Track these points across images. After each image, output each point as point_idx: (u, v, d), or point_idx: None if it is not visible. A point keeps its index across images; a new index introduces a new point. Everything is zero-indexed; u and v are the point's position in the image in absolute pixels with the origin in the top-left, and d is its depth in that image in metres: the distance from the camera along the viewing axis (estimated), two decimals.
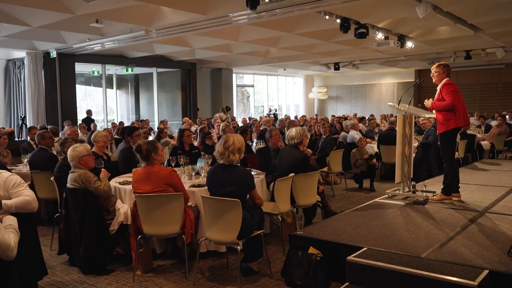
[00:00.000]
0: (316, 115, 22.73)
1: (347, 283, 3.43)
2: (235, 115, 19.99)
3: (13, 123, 14.72)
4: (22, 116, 13.29)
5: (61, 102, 14.45)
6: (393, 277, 3.22)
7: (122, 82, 19.30)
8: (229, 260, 4.48)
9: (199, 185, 4.66)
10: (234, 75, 20.96)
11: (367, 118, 14.21)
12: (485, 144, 10.91)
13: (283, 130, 10.84)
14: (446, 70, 5.34)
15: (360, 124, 11.35)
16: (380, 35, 11.12)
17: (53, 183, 5.14)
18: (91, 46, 12.77)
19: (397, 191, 5.69)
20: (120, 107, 18.74)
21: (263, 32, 11.55)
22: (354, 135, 9.58)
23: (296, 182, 4.93)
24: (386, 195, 5.66)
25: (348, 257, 3.46)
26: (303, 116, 18.21)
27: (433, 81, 5.30)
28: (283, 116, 19.01)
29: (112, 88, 18.18)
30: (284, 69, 21.29)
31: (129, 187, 4.78)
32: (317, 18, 10.23)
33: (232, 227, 3.74)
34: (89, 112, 15.41)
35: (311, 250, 3.88)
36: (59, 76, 14.29)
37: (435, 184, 6.14)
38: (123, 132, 6.68)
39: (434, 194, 5.44)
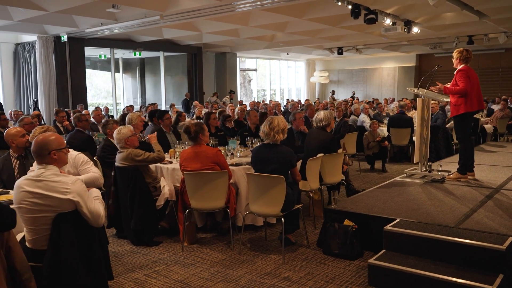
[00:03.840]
0: (318, 98, 23.06)
1: (384, 250, 3.81)
2: (238, 99, 20.24)
3: (23, 106, 14.93)
4: (35, 99, 13.50)
5: (71, 86, 14.67)
6: (427, 244, 3.61)
7: (127, 66, 19.46)
8: (263, 233, 4.86)
9: (236, 164, 5.01)
10: (238, 59, 21.17)
11: (369, 101, 14.64)
12: (488, 127, 11.31)
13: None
14: (460, 56, 5.56)
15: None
16: (388, 21, 11.41)
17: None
18: (103, 31, 12.95)
19: (414, 171, 6.08)
20: (126, 91, 18.92)
21: (273, 17, 11.77)
22: (364, 118, 9.95)
23: (324, 162, 5.29)
24: (405, 174, 6.04)
25: (385, 227, 3.85)
26: (307, 100, 18.53)
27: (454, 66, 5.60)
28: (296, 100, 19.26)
29: (118, 72, 18.35)
30: (287, 54, 21.49)
31: (170, 166, 5.14)
32: (328, 3, 10.48)
33: (277, 201, 4.11)
34: (187, 95, 16.75)
35: (346, 222, 4.27)
36: (69, 60, 14.48)
37: (448, 165, 6.52)
38: (152, 115, 6.99)
39: (450, 173, 5.83)
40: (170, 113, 8.29)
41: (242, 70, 22.90)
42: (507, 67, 19.78)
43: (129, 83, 19.52)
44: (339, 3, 9.63)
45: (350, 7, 9.95)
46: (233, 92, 19.47)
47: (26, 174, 4.12)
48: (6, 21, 11.53)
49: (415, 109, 12.33)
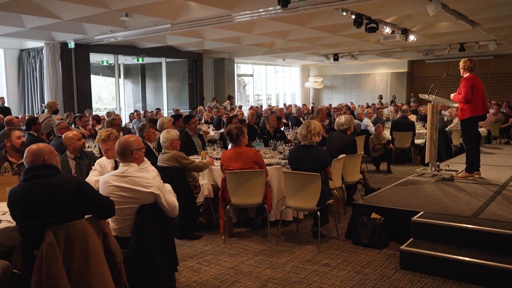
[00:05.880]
0: (313, 103, 23.62)
1: (412, 239, 4.29)
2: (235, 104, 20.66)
3: (28, 111, 15.15)
4: (43, 105, 13.74)
5: (77, 91, 14.96)
6: (452, 232, 4.09)
7: (127, 72, 19.78)
8: (293, 227, 5.32)
9: (267, 165, 5.44)
10: (235, 65, 21.62)
11: (364, 106, 15.23)
12: (483, 131, 11.89)
13: (300, 118, 11.67)
14: (464, 65, 6.12)
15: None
16: (387, 30, 11.98)
17: None
18: (110, 38, 13.28)
19: (424, 170, 6.59)
20: (126, 96, 19.23)
21: (277, 25, 12.23)
22: (368, 122, 10.46)
23: (345, 162, 5.76)
24: (416, 174, 6.54)
25: (413, 218, 4.33)
26: (304, 105, 19.05)
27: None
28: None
29: (119, 77, 18.66)
30: (284, 59, 22.01)
31: None
32: (330, 12, 10.99)
33: (313, 197, 4.56)
34: (215, 99, 17.61)
35: (374, 215, 4.74)
36: (74, 66, 14.77)
37: (452, 165, 7.02)
38: (175, 118, 7.40)
39: (458, 172, 6.34)
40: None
41: (238, 75, 23.34)
42: (495, 73, 20.59)
43: (130, 89, 19.83)
44: (344, 13, 10.15)
45: (353, 16, 10.49)
46: (231, 97, 19.92)
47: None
48: (17, 28, 11.81)
49: (413, 114, 12.95)
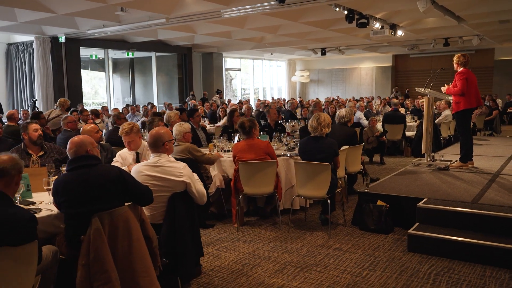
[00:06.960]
0: (300, 97, 23.91)
1: (417, 224, 4.57)
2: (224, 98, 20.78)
3: (17, 106, 15.04)
4: (34, 99, 13.69)
5: (68, 86, 14.92)
6: (455, 216, 4.39)
7: (116, 66, 19.71)
8: (300, 215, 5.57)
9: None
10: (223, 59, 21.72)
11: (352, 99, 15.54)
12: None
13: (293, 111, 11.92)
14: (458, 60, 6.45)
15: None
16: (377, 25, 12.29)
17: None
18: (100, 32, 13.26)
19: (420, 161, 6.90)
20: (115, 91, 19.17)
21: (269, 20, 12.41)
22: (360, 116, 10.76)
23: (347, 153, 6.02)
24: (412, 164, 6.85)
25: (418, 204, 4.61)
26: (293, 98, 19.29)
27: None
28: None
29: (108, 71, 18.59)
30: (271, 54, 22.21)
31: None
32: (323, 8, 11.23)
33: (324, 185, 4.81)
34: (205, 94, 18.29)
35: (379, 202, 5.01)
36: (65, 60, 14.71)
37: (445, 156, 7.36)
38: (180, 113, 7.55)
39: (452, 162, 6.67)
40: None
41: (226, 69, 23.45)
42: (476, 67, 21.09)
43: (118, 83, 19.77)
44: (337, 9, 10.41)
45: (346, 12, 10.76)
46: (220, 91, 20.05)
47: None
48: (8, 22, 11.73)
49: (402, 107, 13.32)
